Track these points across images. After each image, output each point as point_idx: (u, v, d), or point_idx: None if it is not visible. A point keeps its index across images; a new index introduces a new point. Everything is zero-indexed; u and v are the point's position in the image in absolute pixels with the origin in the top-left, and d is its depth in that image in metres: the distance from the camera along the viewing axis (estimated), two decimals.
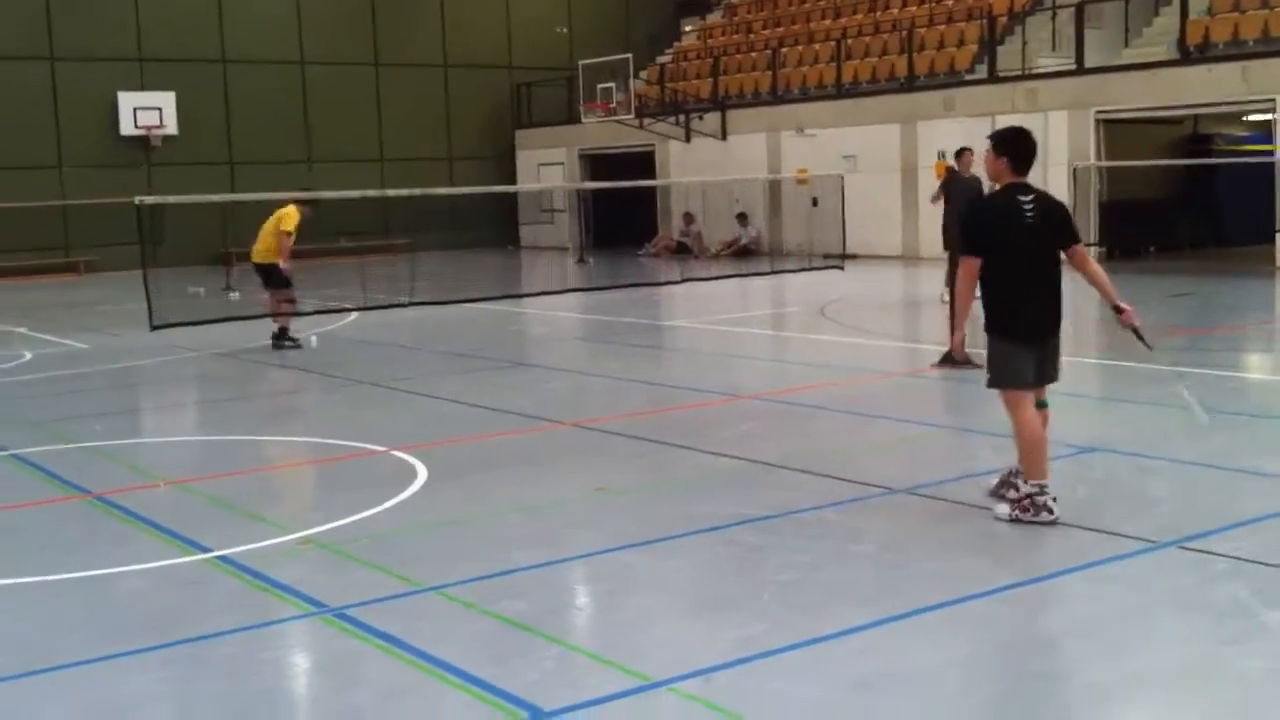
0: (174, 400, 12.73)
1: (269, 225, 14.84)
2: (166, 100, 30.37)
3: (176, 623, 5.68)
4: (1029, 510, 6.64)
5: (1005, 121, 23.84)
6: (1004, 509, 6.77)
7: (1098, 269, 6.97)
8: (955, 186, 16.47)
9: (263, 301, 15.69)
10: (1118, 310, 6.85)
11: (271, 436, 10.09)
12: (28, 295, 24.04)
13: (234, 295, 20.76)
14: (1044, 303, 6.80)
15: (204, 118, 31.01)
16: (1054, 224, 6.81)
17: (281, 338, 14.87)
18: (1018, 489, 6.78)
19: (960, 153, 17.54)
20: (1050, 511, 6.61)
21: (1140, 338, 7.05)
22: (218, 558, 6.59)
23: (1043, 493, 6.64)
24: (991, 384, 6.88)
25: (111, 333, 17.09)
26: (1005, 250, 6.70)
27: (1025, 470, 6.72)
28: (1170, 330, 14.15)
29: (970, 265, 6.76)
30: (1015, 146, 6.85)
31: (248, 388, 12.79)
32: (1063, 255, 6.93)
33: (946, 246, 16.82)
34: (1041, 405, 6.89)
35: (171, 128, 30.44)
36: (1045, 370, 6.87)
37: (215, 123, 31.32)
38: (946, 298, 16.91)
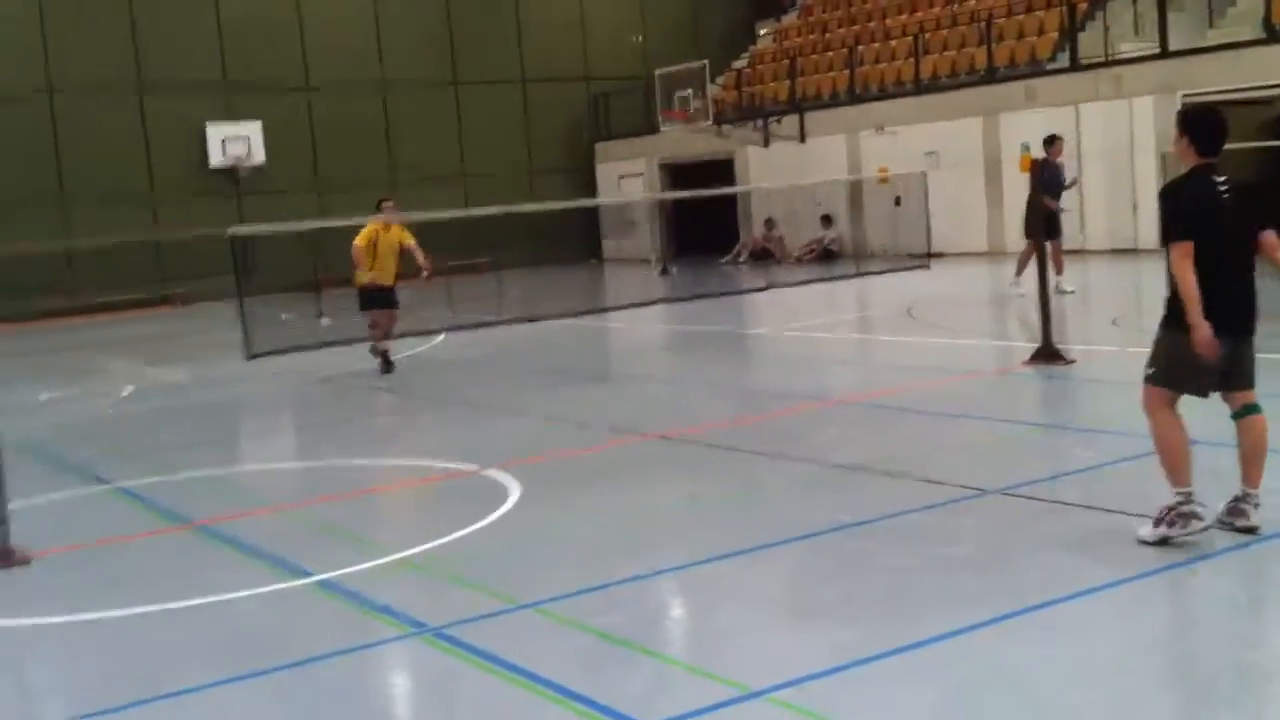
0: (271, 427, 12.98)
1: (391, 246, 14.62)
2: (253, 129, 30.93)
3: (284, 647, 5.81)
4: (1175, 524, 6.05)
5: (1089, 111, 23.76)
6: (1147, 529, 6.13)
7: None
8: (1045, 175, 16.29)
9: (373, 326, 15.00)
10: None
11: (366, 460, 10.25)
12: (125, 330, 24.59)
13: (325, 321, 21.08)
14: (1245, 295, 6.19)
15: (290, 145, 31.51)
16: (1250, 207, 6.24)
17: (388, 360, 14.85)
18: (1244, 512, 6.16)
19: (1051, 140, 17.39)
20: (1200, 519, 6.03)
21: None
22: (319, 582, 6.72)
23: (1189, 501, 6.06)
24: (1159, 382, 6.19)
25: (208, 363, 17.45)
26: (1206, 235, 6.04)
27: (1169, 478, 6.13)
28: (1270, 317, 13.84)
29: (1186, 249, 6.00)
30: (1198, 126, 6.28)
31: (342, 412, 12.99)
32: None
33: (1028, 235, 16.71)
34: (1251, 411, 6.24)
35: (259, 157, 30.98)
36: (1232, 376, 6.18)
37: (301, 149, 31.83)
38: (1019, 287, 16.73)
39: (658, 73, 31.12)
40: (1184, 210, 6.14)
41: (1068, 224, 19.10)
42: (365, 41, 32.90)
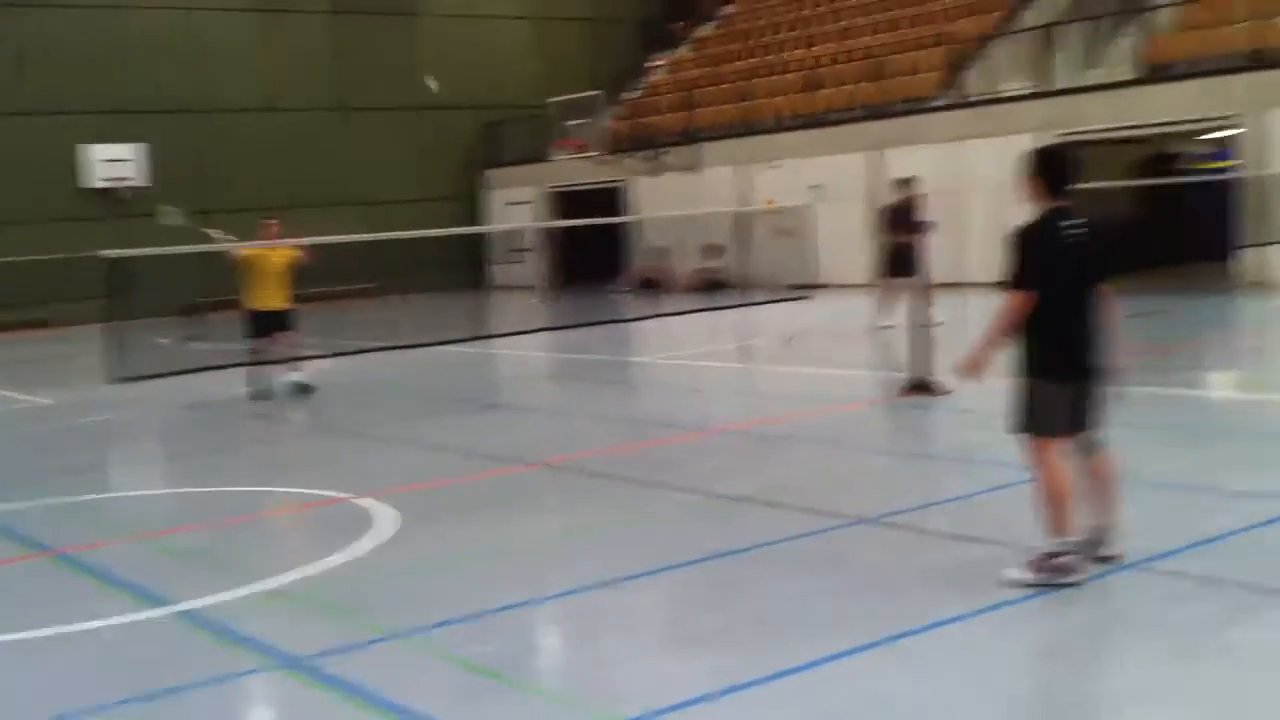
0: (138, 453, 12.65)
1: (278, 269, 14.46)
2: (136, 151, 30.35)
3: (144, 678, 5.62)
4: (1053, 573, 5.94)
5: (973, 146, 24.23)
6: (1018, 573, 6.02)
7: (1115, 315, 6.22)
8: (897, 216, 16.99)
9: (258, 351, 14.75)
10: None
11: (240, 487, 10.01)
12: None
13: (204, 346, 20.67)
14: (1091, 339, 6.16)
15: (174, 168, 30.91)
16: (1096, 255, 6.19)
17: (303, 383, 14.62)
18: (1104, 542, 6.14)
19: (905, 183, 17.90)
20: (1077, 572, 5.95)
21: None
22: (182, 611, 6.53)
23: (1069, 553, 6.00)
24: (1032, 430, 6.11)
25: (77, 387, 16.96)
26: (1056, 282, 6.04)
27: (1050, 527, 6.02)
28: (1134, 349, 14.19)
29: (1024, 300, 6.05)
30: (1049, 165, 6.18)
31: (216, 438, 12.71)
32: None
33: (884, 275, 17.33)
34: (1100, 446, 6.29)
35: (141, 179, 30.38)
36: (1086, 414, 6.21)
37: (185, 173, 31.23)
38: (889, 320, 17.02)
39: (551, 102, 31.12)
40: (1033, 257, 6.08)
41: (941, 261, 19.44)
42: (254, 66, 32.46)
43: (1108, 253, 6.24)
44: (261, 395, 14.42)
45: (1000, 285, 6.26)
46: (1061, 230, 6.08)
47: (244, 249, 14.79)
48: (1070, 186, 6.17)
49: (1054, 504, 6.04)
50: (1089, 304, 6.12)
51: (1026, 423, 6.14)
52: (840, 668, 5.22)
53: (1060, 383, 6.09)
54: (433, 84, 14.74)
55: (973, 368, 6.21)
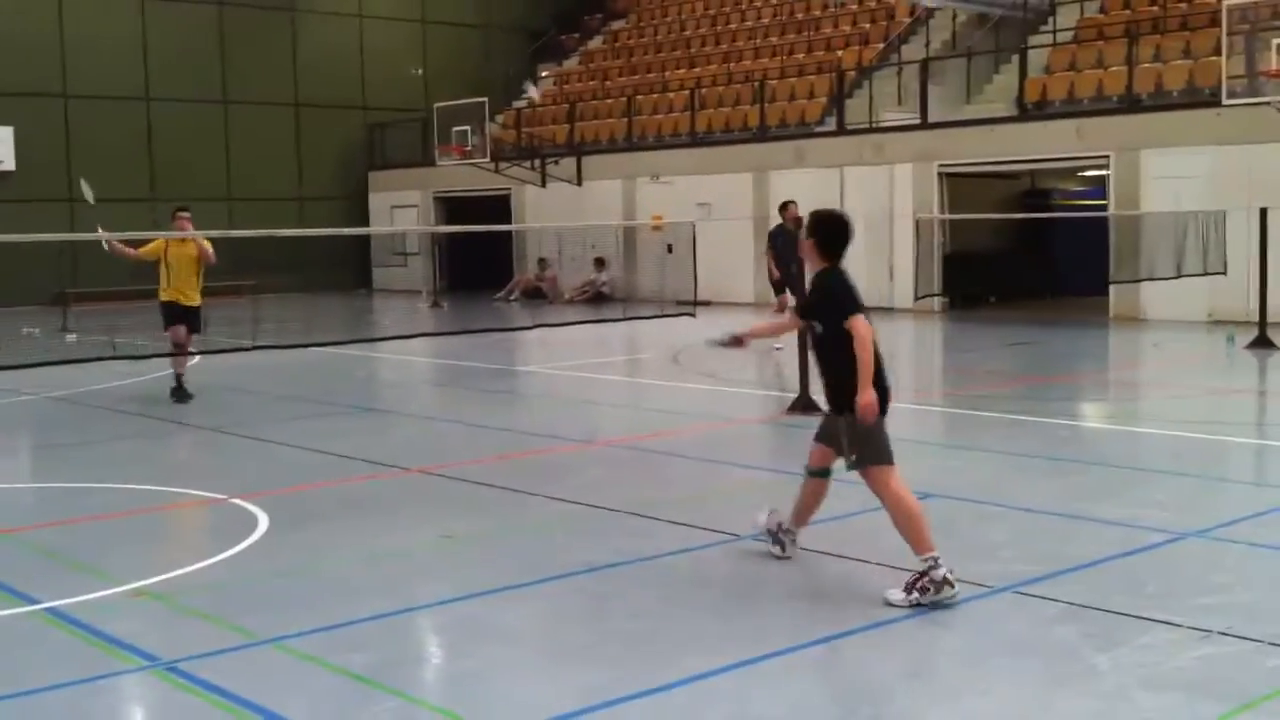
0: (4, 445, 12.24)
1: (185, 262, 13.82)
2: (3, 135, 29.44)
3: (4, 677, 5.45)
4: (928, 590, 6.13)
5: (853, 174, 24.67)
6: (898, 594, 6.17)
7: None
8: (779, 240, 17.37)
9: (168, 345, 14.10)
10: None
11: (106, 484, 9.76)
12: None
13: (71, 337, 20.12)
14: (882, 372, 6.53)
15: (42, 153, 30.09)
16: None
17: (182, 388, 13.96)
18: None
19: (784, 206, 18.35)
20: (952, 585, 6.14)
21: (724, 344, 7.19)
22: (47, 610, 6.35)
23: (938, 565, 6.16)
24: (875, 461, 6.41)
25: None
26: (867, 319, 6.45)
27: (914, 547, 6.23)
28: (1008, 379, 14.57)
29: (869, 328, 6.41)
30: (824, 232, 6.58)
31: (84, 433, 12.37)
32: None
33: (777, 294, 17.80)
34: (827, 474, 6.85)
35: (8, 163, 29.48)
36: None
37: (54, 159, 30.41)
38: (777, 342, 17.25)
39: (436, 106, 30.96)
40: (849, 287, 6.50)
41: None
42: (129, 53, 31.73)
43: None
44: (178, 397, 13.80)
45: (835, 323, 6.48)
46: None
47: (153, 241, 14.09)
48: (842, 252, 6.56)
49: (913, 524, 6.29)
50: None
51: (872, 455, 6.43)
52: (708, 686, 5.25)
53: (883, 414, 6.45)
54: (88, 192, 14.40)
55: (872, 408, 6.34)
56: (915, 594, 6.14)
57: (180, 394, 13.85)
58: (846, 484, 7.40)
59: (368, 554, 7.45)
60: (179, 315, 13.93)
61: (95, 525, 8.47)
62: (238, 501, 8.71)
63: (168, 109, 32.15)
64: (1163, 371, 16.22)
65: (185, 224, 14.05)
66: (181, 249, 13.89)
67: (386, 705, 5.14)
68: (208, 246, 13.89)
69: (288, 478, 9.74)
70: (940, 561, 6.16)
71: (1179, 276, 19.19)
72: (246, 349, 15.61)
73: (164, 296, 13.96)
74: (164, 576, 6.90)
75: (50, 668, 5.57)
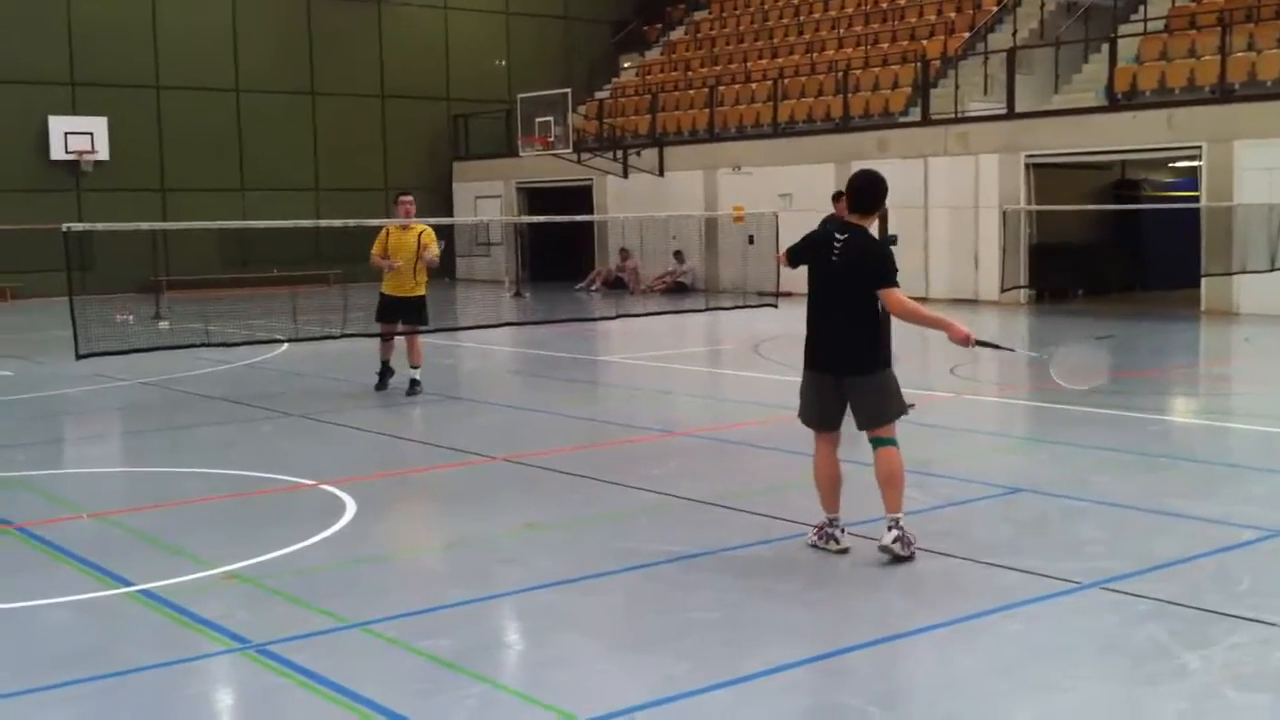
0: (99, 430, 12.53)
1: (405, 251, 13.02)
2: (98, 125, 30.09)
3: (96, 657, 5.59)
4: (822, 539, 7.02)
5: (937, 164, 24.42)
6: (891, 537, 6.78)
7: (916, 308, 6.97)
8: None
9: (381, 337, 13.75)
10: (962, 340, 7.00)
11: (198, 469, 9.95)
12: None
13: (164, 324, 20.51)
14: (836, 340, 6.95)
15: (136, 144, 30.70)
16: (857, 265, 6.85)
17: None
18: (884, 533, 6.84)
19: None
20: (837, 542, 6.95)
21: (996, 346, 7.43)
22: (140, 591, 6.49)
23: (833, 524, 7.00)
24: (901, 412, 7.00)
25: (38, 360, 16.81)
26: (812, 281, 7.05)
27: (891, 503, 6.85)
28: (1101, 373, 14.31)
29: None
30: (850, 189, 7.06)
31: (176, 419, 12.60)
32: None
33: None
34: (880, 444, 6.93)
35: (103, 153, 30.13)
36: (855, 414, 6.98)
37: (148, 149, 31.03)
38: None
39: (520, 97, 31.10)
40: (885, 254, 7.01)
41: (901, 276, 19.59)
42: (220, 45, 32.22)
43: (869, 267, 6.91)
44: (380, 384, 13.60)
45: (877, 291, 6.89)
46: (831, 239, 7.00)
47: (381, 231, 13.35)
48: (867, 208, 6.99)
49: (901, 478, 6.85)
50: (840, 308, 7.02)
51: (898, 406, 6.96)
52: (789, 677, 5.25)
53: (807, 370, 7.14)
54: (500, 62, 14.00)
55: (966, 334, 6.94)
56: (815, 537, 7.04)
57: (413, 386, 13.30)
58: (932, 478, 7.36)
59: (452, 541, 7.53)
60: (392, 308, 13.30)
61: (187, 509, 8.65)
62: (326, 487, 8.84)
63: (257, 100, 32.63)
64: (1255, 366, 15.89)
65: (409, 208, 13.34)
66: (403, 237, 13.14)
67: (470, 690, 5.20)
68: (432, 247, 13.06)
69: (374, 464, 9.86)
70: (836, 522, 7.00)
71: (1273, 269, 18.77)
72: (335, 337, 15.80)
73: (383, 289, 13.34)
74: (254, 560, 7.03)
75: (143, 649, 5.70)
